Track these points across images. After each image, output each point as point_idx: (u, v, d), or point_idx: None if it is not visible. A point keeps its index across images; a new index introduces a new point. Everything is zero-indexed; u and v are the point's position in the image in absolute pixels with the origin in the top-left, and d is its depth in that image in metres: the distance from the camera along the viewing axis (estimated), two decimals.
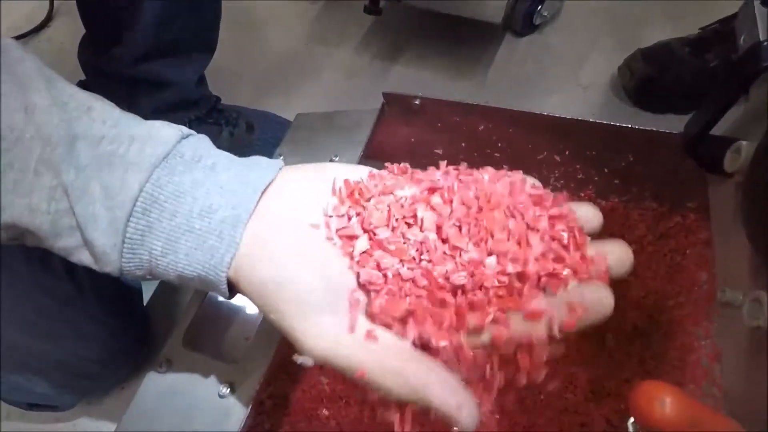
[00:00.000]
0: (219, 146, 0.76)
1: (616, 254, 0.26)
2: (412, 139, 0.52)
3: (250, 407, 0.33)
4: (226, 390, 0.34)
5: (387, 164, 0.27)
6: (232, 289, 0.24)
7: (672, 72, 0.71)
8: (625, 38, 0.82)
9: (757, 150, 0.24)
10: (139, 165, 0.22)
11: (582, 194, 0.51)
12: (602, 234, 0.51)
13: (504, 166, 0.51)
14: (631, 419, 0.23)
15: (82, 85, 0.68)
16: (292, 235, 0.23)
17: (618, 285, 0.49)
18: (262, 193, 0.24)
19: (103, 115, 0.23)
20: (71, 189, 0.21)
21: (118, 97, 0.68)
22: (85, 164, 0.22)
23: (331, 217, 0.24)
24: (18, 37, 0.95)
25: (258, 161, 0.26)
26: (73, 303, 0.44)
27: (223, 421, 0.33)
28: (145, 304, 0.57)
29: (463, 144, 0.50)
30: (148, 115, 0.71)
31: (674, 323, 0.46)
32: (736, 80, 0.28)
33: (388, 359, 0.22)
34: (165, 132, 0.24)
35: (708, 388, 0.43)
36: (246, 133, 0.70)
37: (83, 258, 0.23)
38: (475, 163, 0.53)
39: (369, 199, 0.24)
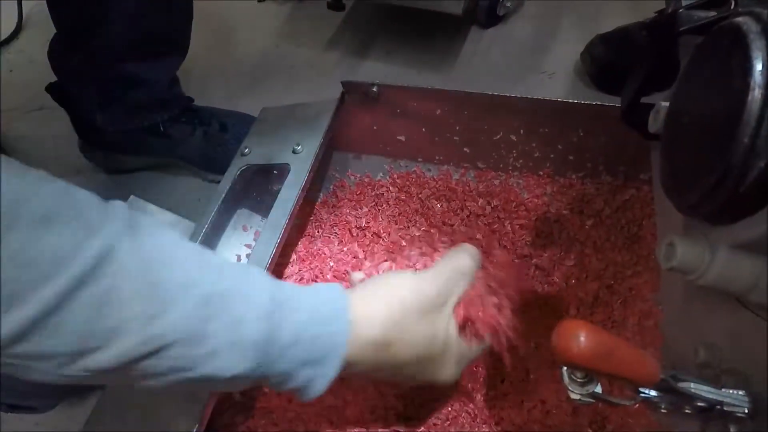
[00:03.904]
0: (192, 145, 0.77)
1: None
2: (375, 127, 0.53)
3: None
4: None
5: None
6: None
7: (629, 55, 0.73)
8: (587, 25, 0.84)
9: (669, 106, 0.25)
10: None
11: (541, 173, 0.53)
12: (564, 212, 0.53)
13: (465, 149, 0.53)
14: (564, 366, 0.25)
15: (55, 86, 0.68)
16: (395, 315, 0.32)
17: (579, 257, 0.51)
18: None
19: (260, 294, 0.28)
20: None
21: (91, 98, 0.69)
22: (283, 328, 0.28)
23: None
24: None
25: (324, 300, 0.31)
26: None
27: (193, 400, 0.34)
28: None
29: (423, 129, 0.52)
30: (122, 115, 0.71)
31: (633, 291, 0.48)
32: (657, 46, 0.30)
33: None
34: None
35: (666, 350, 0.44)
36: (219, 132, 0.71)
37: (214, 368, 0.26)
38: (436, 147, 0.55)
39: None
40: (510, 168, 0.53)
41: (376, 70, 0.85)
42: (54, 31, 0.63)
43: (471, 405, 0.46)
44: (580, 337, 0.20)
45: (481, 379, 0.47)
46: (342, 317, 0.30)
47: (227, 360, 0.25)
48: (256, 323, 0.26)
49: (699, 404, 0.22)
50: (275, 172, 0.47)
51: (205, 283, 0.25)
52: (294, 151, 0.47)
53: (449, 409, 0.45)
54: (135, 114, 0.68)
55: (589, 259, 0.51)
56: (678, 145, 0.24)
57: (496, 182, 0.54)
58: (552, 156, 0.50)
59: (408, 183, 0.56)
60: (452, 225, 0.54)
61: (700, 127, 0.22)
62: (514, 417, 0.45)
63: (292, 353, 0.27)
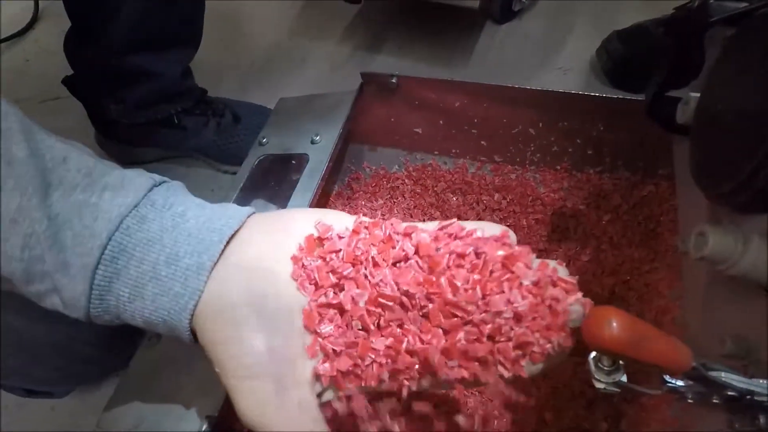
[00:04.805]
0: (206, 135, 0.78)
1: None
2: (392, 119, 0.53)
3: None
4: None
5: (357, 223, 0.26)
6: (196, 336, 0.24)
7: (647, 52, 0.73)
8: (602, 21, 0.84)
9: (701, 96, 0.25)
10: (108, 214, 0.23)
11: (559, 167, 0.53)
12: (581, 207, 0.53)
13: (482, 142, 0.53)
14: (592, 354, 0.25)
15: (71, 79, 0.69)
16: (249, 287, 0.24)
17: (595, 253, 0.51)
18: (230, 239, 0.24)
19: (78, 164, 0.24)
20: (43, 237, 0.22)
21: (105, 90, 0.69)
22: (58, 213, 0.23)
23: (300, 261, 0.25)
24: (4, 40, 0.96)
25: (227, 208, 0.26)
26: None
27: (213, 383, 0.34)
28: None
29: (441, 121, 0.52)
30: (136, 107, 0.72)
31: (649, 287, 0.48)
32: (685, 36, 0.29)
33: None
34: (137, 181, 0.25)
35: None
36: (232, 123, 0.71)
37: (55, 302, 0.24)
38: (453, 140, 0.54)
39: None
40: (527, 162, 0.53)
41: (390, 65, 0.85)
42: (69, 22, 0.63)
43: (484, 395, 0.46)
44: (612, 323, 0.20)
45: None
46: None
47: (63, 299, 0.23)
48: (90, 271, 0.23)
49: (728, 393, 0.22)
50: (293, 162, 0.47)
51: (35, 218, 0.22)
52: (312, 141, 0.47)
53: (460, 402, 0.45)
54: (149, 106, 0.68)
55: (605, 255, 0.50)
56: (711, 135, 0.24)
57: (513, 176, 0.54)
58: (570, 150, 0.50)
59: (424, 176, 0.56)
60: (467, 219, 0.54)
61: (735, 115, 0.22)
62: (528, 410, 0.45)
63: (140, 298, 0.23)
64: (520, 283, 0.24)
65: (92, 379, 0.55)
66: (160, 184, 0.26)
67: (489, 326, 0.23)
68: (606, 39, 0.77)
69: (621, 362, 0.24)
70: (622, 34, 0.75)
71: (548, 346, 0.23)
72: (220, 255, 0.24)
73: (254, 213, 0.27)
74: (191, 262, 0.23)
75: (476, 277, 0.23)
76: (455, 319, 0.23)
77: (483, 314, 0.23)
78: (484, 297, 0.23)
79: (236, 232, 0.25)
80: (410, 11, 0.91)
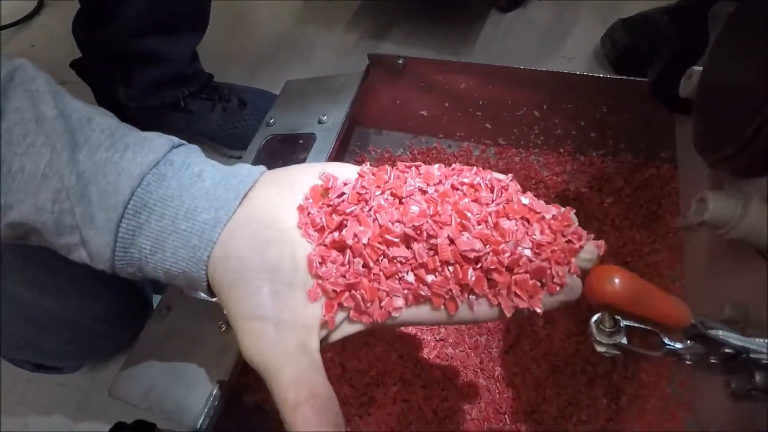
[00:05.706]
0: (212, 119, 0.77)
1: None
2: (398, 101, 0.54)
3: None
4: (224, 326, 0.36)
5: (362, 169, 0.27)
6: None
7: (651, 40, 0.73)
8: (606, 10, 0.84)
9: (704, 68, 0.26)
10: (131, 171, 0.24)
11: (562, 150, 0.53)
12: (583, 189, 0.54)
13: (486, 125, 0.54)
14: (594, 317, 0.25)
15: (79, 63, 0.70)
16: (255, 235, 0.25)
17: (597, 235, 0.52)
18: (243, 197, 0.26)
19: (101, 125, 0.25)
20: (72, 192, 0.23)
21: (114, 74, 0.70)
22: (84, 170, 0.24)
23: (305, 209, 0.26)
24: (10, 26, 0.97)
25: (240, 168, 0.27)
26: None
27: (223, 353, 0.35)
28: None
29: (446, 104, 0.52)
30: (144, 90, 0.72)
31: (650, 268, 0.49)
32: (691, 14, 0.30)
33: (305, 383, 0.22)
34: (157, 142, 0.26)
35: None
36: (238, 107, 0.72)
37: (82, 255, 0.25)
38: (458, 123, 0.55)
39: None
40: (531, 145, 0.53)
41: (395, 52, 0.85)
42: (76, 7, 0.64)
43: (485, 373, 0.47)
44: (614, 279, 0.21)
45: (495, 349, 0.48)
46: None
47: (90, 252, 0.24)
48: (114, 225, 0.24)
49: (725, 351, 0.23)
50: (301, 141, 0.48)
51: (64, 174, 0.23)
52: (320, 122, 0.48)
53: (463, 379, 0.46)
54: (157, 89, 0.69)
55: (607, 237, 0.51)
56: (713, 104, 0.25)
57: (517, 159, 0.55)
58: (573, 133, 0.51)
59: (428, 159, 0.57)
60: None
61: (737, 83, 0.23)
62: (529, 388, 0.46)
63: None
64: (542, 217, 0.24)
65: (102, 355, 0.56)
66: (178, 146, 0.27)
67: (508, 255, 0.23)
68: (611, 27, 0.77)
69: (622, 324, 0.25)
70: (627, 23, 0.75)
71: (566, 278, 0.23)
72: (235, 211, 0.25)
73: (266, 171, 0.28)
74: (208, 217, 0.25)
75: (493, 208, 0.23)
76: (468, 250, 0.23)
77: (503, 244, 0.23)
78: (497, 228, 0.23)
79: (249, 189, 0.26)
80: None
